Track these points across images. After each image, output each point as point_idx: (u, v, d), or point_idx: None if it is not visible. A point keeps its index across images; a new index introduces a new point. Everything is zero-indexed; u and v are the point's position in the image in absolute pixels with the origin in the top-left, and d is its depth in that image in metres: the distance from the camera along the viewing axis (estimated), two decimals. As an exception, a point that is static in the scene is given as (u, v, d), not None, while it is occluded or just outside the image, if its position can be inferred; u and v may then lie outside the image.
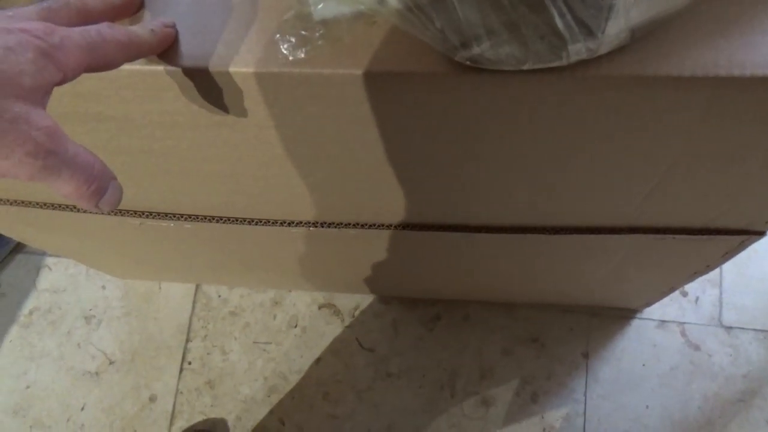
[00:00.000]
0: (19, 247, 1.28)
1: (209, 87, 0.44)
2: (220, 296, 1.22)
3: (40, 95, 0.32)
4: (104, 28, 0.37)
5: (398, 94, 0.42)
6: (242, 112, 0.46)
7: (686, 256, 0.73)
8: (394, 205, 0.63)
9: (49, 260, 1.28)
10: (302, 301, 1.20)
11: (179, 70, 0.43)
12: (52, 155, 0.32)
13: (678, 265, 0.78)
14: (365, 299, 1.20)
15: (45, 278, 1.27)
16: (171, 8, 0.44)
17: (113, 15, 0.41)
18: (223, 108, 0.46)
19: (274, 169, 0.56)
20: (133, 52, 0.39)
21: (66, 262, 1.27)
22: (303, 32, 0.41)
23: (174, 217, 0.70)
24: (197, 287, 1.23)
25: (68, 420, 1.17)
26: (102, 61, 0.36)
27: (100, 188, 0.35)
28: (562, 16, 0.37)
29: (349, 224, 0.68)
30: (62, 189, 0.34)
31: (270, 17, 0.43)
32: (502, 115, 0.44)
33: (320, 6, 0.40)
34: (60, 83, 0.34)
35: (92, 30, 0.36)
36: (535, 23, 0.37)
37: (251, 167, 0.56)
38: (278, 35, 0.42)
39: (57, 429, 1.17)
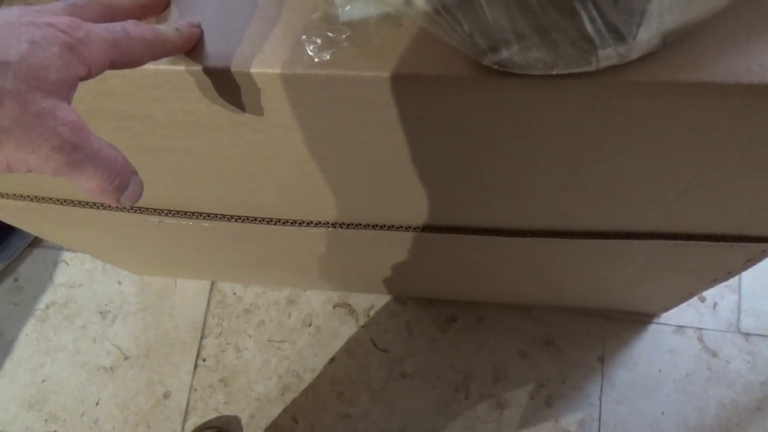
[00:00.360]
0: (36, 242, 1.29)
1: (233, 87, 0.44)
2: (235, 294, 1.22)
3: (65, 89, 0.32)
4: (130, 26, 0.36)
5: (424, 98, 0.42)
6: (266, 113, 0.46)
7: (708, 262, 0.72)
8: (415, 207, 0.63)
9: (66, 255, 1.28)
10: (317, 300, 1.20)
11: (204, 69, 0.42)
12: (77, 150, 0.32)
13: (699, 272, 0.77)
14: (380, 299, 1.19)
15: (62, 273, 1.27)
16: (197, 7, 0.44)
17: (140, 13, 0.41)
18: (247, 108, 0.46)
19: (295, 169, 0.56)
20: (159, 50, 0.39)
21: (83, 257, 1.28)
22: (329, 34, 0.41)
23: (193, 215, 0.70)
24: (212, 284, 1.23)
25: (83, 414, 1.17)
26: (127, 57, 0.36)
27: (122, 183, 0.35)
28: (592, 20, 0.36)
29: (369, 225, 0.68)
30: (85, 184, 0.34)
31: (296, 18, 0.43)
32: (530, 119, 0.43)
33: (347, 8, 0.40)
34: (85, 78, 0.34)
35: (118, 26, 0.36)
36: (565, 27, 0.37)
37: (272, 167, 0.56)
38: (304, 36, 0.41)
39: (71, 423, 1.17)
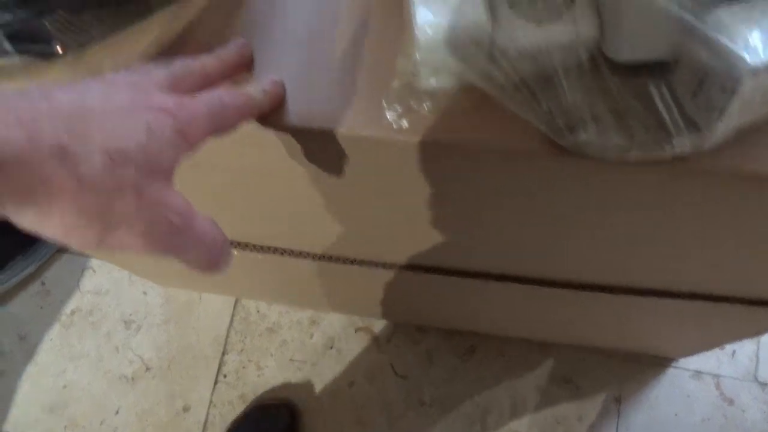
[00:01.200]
0: (64, 247, 1.31)
1: (310, 144, 0.45)
2: (258, 311, 1.24)
3: (172, 172, 0.33)
4: (224, 95, 0.37)
5: (497, 170, 0.43)
6: (337, 170, 0.48)
7: (738, 322, 0.73)
8: (456, 255, 0.64)
9: (94, 262, 1.30)
10: (339, 323, 1.22)
11: (283, 127, 0.44)
12: (182, 234, 0.33)
13: (728, 329, 0.78)
14: (402, 326, 1.20)
15: (89, 280, 1.29)
16: (276, 67, 0.45)
17: (231, 72, 0.42)
18: (320, 164, 0.47)
19: (352, 213, 0.57)
20: (249, 114, 0.40)
21: (110, 265, 1.29)
22: (411, 102, 0.42)
23: (239, 245, 0.72)
24: (236, 301, 1.25)
25: (102, 422, 1.19)
26: (222, 127, 0.37)
27: (218, 260, 0.36)
28: (668, 110, 0.38)
29: (404, 267, 0.69)
30: (184, 261, 0.35)
31: (373, 81, 0.44)
32: (597, 199, 0.44)
33: (431, 79, 0.41)
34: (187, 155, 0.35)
35: (215, 98, 0.37)
36: (642, 114, 0.38)
37: (329, 211, 0.57)
38: (384, 102, 0.43)
39: (90, 430, 1.19)
